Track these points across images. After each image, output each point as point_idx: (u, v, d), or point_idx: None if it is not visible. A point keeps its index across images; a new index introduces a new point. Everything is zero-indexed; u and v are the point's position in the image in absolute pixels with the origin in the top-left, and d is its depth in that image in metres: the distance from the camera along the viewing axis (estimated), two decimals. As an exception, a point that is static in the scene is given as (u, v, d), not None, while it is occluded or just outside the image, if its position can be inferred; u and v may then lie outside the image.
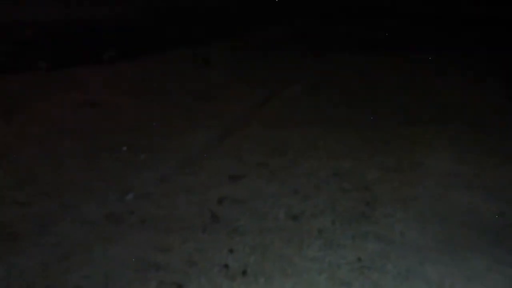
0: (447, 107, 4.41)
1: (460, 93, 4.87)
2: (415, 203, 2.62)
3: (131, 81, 5.23)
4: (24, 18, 5.56)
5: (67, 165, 3.02)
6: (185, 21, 9.95)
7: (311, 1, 12.64)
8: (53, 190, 2.67)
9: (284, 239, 2.29)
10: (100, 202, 2.55)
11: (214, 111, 4.20)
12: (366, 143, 3.47)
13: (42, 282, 1.87)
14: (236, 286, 1.93)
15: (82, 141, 3.41)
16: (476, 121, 4.07)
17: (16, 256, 2.03)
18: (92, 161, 3.08)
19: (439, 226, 2.42)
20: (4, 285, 1.85)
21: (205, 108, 4.28)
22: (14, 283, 1.86)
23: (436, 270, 2.10)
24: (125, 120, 3.94)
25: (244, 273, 2.01)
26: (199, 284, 1.92)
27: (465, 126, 3.93)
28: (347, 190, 2.75)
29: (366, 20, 9.64)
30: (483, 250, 2.24)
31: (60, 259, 2.03)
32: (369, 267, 2.13)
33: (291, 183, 2.83)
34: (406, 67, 6.03)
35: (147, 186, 2.74)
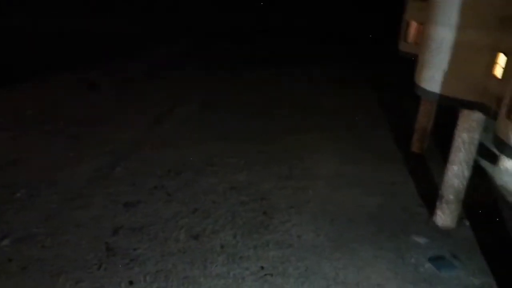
0: (327, 114, 4.84)
1: (336, 101, 5.40)
2: (307, 207, 2.80)
3: (2, 112, 4.67)
4: None
5: None
6: (66, 44, 9.27)
7: (199, 21, 12.88)
8: None
9: (187, 260, 2.25)
10: (-32, 255, 2.19)
11: (104, 137, 3.96)
12: (260, 154, 3.62)
13: None
14: (138, 319, 1.83)
15: None
16: (353, 124, 4.54)
17: None
18: (-44, 207, 2.65)
19: (330, 225, 2.62)
20: None
21: (93, 135, 4.02)
22: None
23: (331, 266, 2.27)
24: (-4, 156, 3.49)
25: (146, 304, 1.91)
26: (96, 326, 1.78)
27: (343, 130, 4.35)
28: (245, 202, 2.82)
29: (254, 39, 10.14)
30: (368, 241, 2.49)
31: None
32: (272, 273, 2.21)
33: (190, 202, 2.80)
34: (290, 80, 6.50)
35: (28, 227, 2.45)
